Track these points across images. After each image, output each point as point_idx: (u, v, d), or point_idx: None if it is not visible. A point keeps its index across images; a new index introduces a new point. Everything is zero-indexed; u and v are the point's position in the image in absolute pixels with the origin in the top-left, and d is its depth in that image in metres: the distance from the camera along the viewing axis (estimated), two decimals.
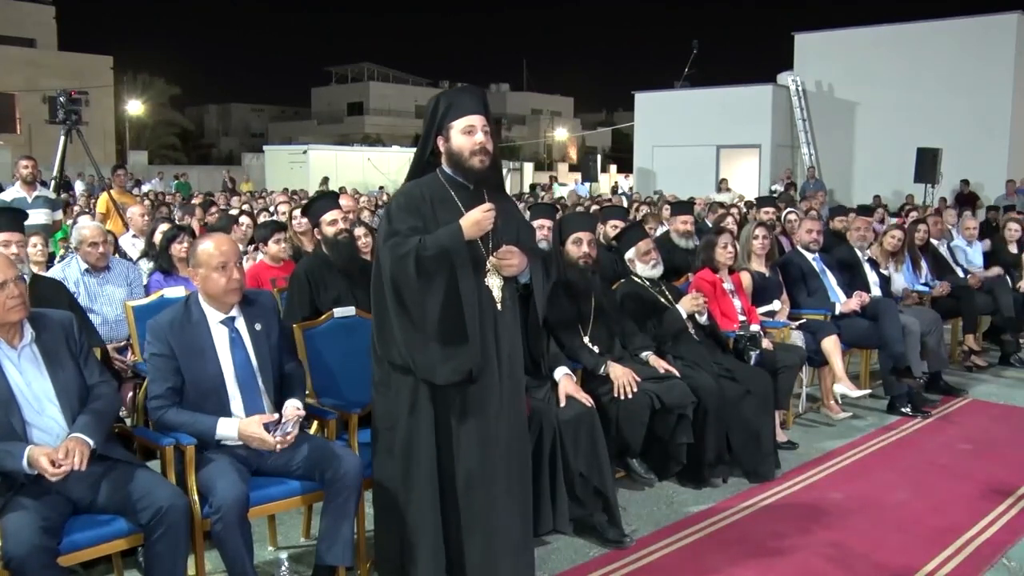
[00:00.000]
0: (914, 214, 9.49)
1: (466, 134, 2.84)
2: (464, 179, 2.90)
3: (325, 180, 21.93)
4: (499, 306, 2.92)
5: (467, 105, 2.85)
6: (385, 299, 2.85)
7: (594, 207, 10.85)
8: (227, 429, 2.96)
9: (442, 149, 2.90)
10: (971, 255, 7.38)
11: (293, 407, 3.03)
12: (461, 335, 2.81)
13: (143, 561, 2.79)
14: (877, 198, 16.28)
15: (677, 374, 4.13)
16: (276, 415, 2.99)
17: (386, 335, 2.89)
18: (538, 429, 3.46)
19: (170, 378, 2.99)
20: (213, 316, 3.07)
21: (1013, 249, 7.35)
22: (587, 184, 23.93)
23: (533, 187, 26.16)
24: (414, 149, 3.06)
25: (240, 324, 3.11)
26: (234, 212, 8.49)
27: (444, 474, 2.91)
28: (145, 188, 20.53)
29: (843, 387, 5.22)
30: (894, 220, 8.86)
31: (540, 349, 3.75)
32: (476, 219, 2.79)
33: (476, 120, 2.84)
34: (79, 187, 17.30)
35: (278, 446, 2.92)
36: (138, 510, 2.67)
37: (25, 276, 2.96)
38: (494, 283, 2.91)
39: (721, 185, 17.86)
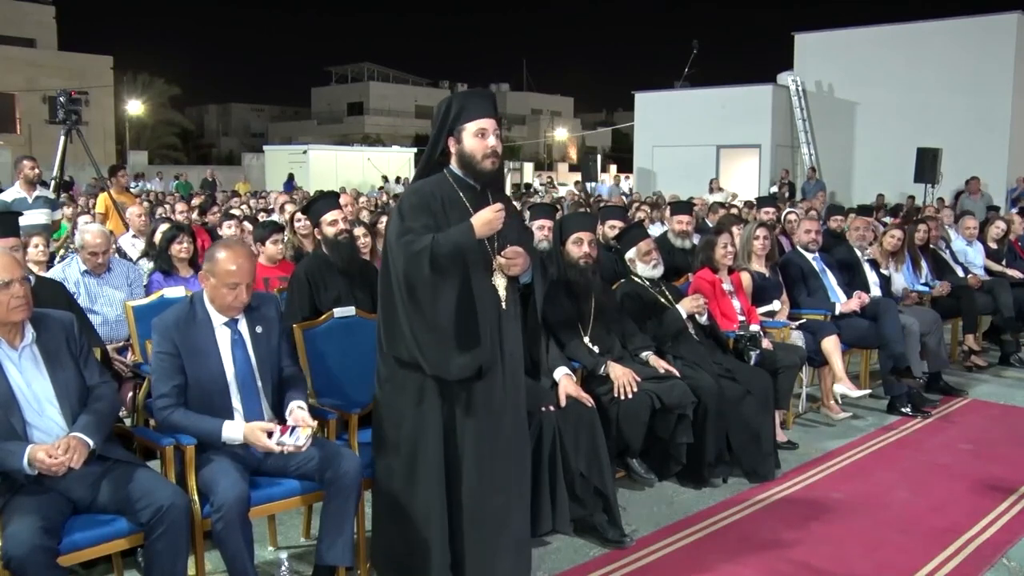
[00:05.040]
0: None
1: (478, 137, 2.89)
2: (473, 180, 2.95)
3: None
4: (504, 305, 2.96)
5: (479, 108, 2.91)
6: (394, 295, 2.87)
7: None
8: (233, 432, 2.95)
9: (452, 150, 2.95)
10: (971, 255, 7.37)
11: (303, 417, 3.01)
12: (472, 332, 2.86)
13: (143, 561, 2.80)
14: (880, 196, 16.26)
15: (677, 374, 4.13)
16: (276, 424, 2.94)
17: (394, 331, 2.90)
18: (538, 429, 3.46)
19: (176, 376, 2.99)
20: (217, 317, 3.08)
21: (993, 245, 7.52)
22: (590, 185, 23.86)
23: (528, 186, 26.16)
24: (414, 149, 3.09)
25: (242, 326, 3.12)
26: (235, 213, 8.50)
27: (449, 469, 2.93)
28: (141, 187, 20.41)
29: (843, 387, 5.22)
30: (889, 219, 8.87)
31: (539, 349, 3.81)
32: (487, 219, 2.82)
33: (488, 124, 2.90)
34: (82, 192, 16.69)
35: (287, 450, 2.88)
36: (138, 510, 2.67)
37: (30, 278, 2.95)
38: (499, 283, 2.96)
39: (712, 185, 17.83)
